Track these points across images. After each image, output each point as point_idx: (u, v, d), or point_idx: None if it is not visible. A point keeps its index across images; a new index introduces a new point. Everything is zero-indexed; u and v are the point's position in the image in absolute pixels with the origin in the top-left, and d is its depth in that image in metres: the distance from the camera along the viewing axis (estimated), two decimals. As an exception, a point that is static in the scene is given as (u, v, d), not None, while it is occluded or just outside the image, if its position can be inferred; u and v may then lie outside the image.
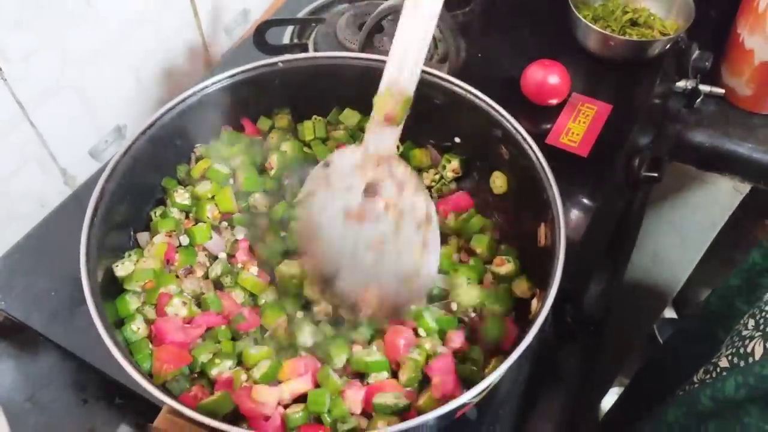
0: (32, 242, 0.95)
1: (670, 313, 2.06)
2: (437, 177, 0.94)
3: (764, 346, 0.76)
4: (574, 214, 0.97)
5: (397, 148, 0.93)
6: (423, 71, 0.84)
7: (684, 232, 1.51)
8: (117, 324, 0.74)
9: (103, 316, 0.65)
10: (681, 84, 1.27)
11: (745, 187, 1.36)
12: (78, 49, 0.94)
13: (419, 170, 0.94)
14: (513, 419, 0.89)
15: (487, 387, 0.61)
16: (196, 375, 0.74)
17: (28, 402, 0.88)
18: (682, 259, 1.56)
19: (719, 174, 1.35)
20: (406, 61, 0.72)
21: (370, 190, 0.75)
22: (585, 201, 0.99)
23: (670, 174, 1.42)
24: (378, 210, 0.75)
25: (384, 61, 0.75)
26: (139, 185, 0.81)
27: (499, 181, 0.89)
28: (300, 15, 1.21)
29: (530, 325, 0.62)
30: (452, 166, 0.92)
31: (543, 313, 0.62)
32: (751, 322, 0.83)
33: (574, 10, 1.14)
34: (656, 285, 1.63)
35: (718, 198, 1.40)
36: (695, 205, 1.45)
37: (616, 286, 1.21)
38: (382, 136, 0.75)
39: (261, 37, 1.07)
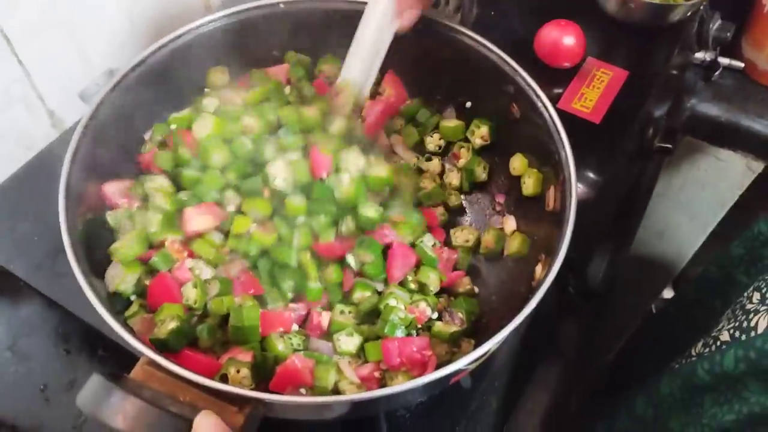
0: (16, 185, 0.92)
1: (669, 293, 2.04)
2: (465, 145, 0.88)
3: None
4: (582, 182, 0.93)
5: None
6: (434, 21, 0.81)
7: (693, 209, 1.48)
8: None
9: (82, 263, 0.62)
10: (699, 55, 1.23)
11: (759, 166, 1.32)
12: (67, -16, 0.89)
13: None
14: (508, 389, 0.86)
15: (484, 354, 0.57)
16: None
17: (8, 351, 0.85)
18: (688, 236, 1.53)
19: (732, 151, 1.31)
20: None
21: None
22: (594, 169, 0.94)
23: (683, 149, 1.38)
24: None
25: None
26: (127, 125, 0.77)
27: (516, 162, 0.84)
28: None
29: (534, 291, 0.59)
30: (481, 132, 0.86)
31: (549, 279, 0.59)
32: (756, 296, 0.80)
33: (594, -30, 1.09)
34: (661, 262, 1.60)
35: (730, 176, 1.37)
36: (706, 183, 1.41)
37: (621, 259, 1.18)
38: None
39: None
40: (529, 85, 0.73)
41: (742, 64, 1.24)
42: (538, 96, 0.72)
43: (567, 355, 0.99)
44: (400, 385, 0.53)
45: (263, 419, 0.58)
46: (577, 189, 0.65)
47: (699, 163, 1.39)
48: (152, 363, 0.54)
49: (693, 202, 1.46)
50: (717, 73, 1.24)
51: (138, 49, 1.04)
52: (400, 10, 0.77)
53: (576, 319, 0.99)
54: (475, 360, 0.57)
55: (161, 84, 0.80)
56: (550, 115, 0.71)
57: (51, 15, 0.89)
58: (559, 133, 0.69)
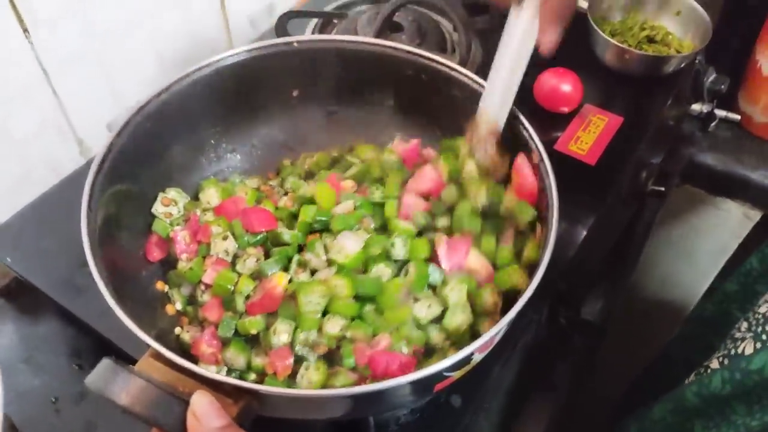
0: (43, 205, 0.98)
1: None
2: None
3: (754, 346, 0.75)
4: (576, 219, 0.98)
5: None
6: (435, 61, 0.86)
7: (694, 256, 1.50)
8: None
9: (100, 267, 0.67)
10: (696, 107, 1.28)
11: (756, 214, 1.35)
12: (103, 22, 0.97)
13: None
14: (501, 414, 0.88)
15: (463, 360, 0.61)
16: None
17: (23, 363, 0.90)
18: (692, 282, 1.55)
19: (730, 199, 1.35)
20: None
21: None
22: (588, 207, 0.99)
23: (681, 197, 1.42)
24: None
25: (401, 49, 0.81)
26: (146, 152, 0.82)
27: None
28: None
29: (513, 304, 0.63)
30: None
31: (527, 293, 0.63)
32: (744, 325, 0.82)
33: (593, 24, 1.16)
34: (667, 308, 1.61)
35: (729, 224, 1.40)
36: (705, 230, 1.44)
37: (619, 299, 1.20)
38: None
39: (282, 28, 1.10)
40: (523, 126, 0.79)
41: (739, 117, 1.28)
42: (531, 136, 0.77)
43: (561, 391, 1.01)
44: (382, 383, 0.57)
45: (258, 418, 0.62)
46: (561, 222, 0.69)
47: (698, 212, 1.43)
48: (156, 356, 0.59)
49: (694, 250, 1.49)
50: (714, 124, 1.29)
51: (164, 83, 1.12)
52: (542, 29, 0.75)
53: (569, 352, 1.01)
54: (456, 365, 0.60)
55: (180, 114, 0.85)
56: (537, 148, 0.76)
57: (86, 50, 0.97)
58: (545, 164, 0.74)
